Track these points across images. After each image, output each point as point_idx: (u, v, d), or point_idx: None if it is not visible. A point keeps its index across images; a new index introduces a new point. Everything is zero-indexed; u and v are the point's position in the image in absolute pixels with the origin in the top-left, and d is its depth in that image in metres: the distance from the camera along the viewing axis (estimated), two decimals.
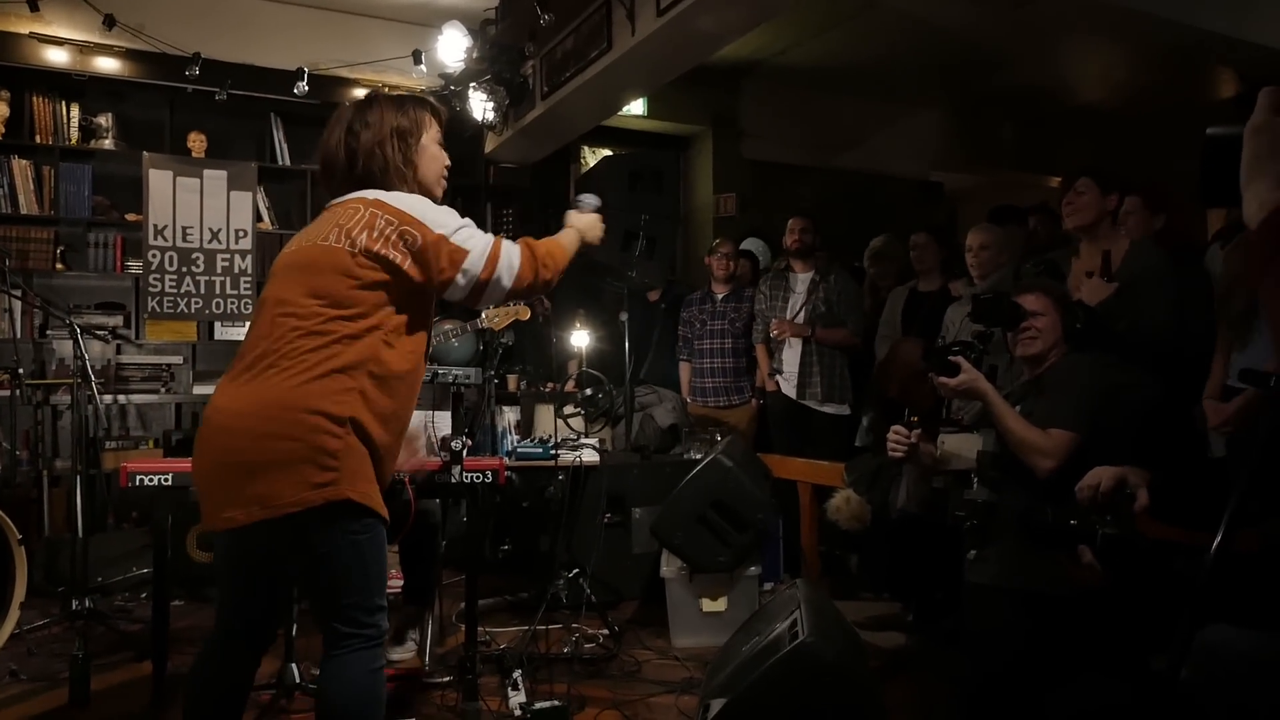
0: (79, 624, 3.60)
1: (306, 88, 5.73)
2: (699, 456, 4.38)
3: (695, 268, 7.02)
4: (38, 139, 5.57)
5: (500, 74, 5.75)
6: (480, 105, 5.88)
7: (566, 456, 4.11)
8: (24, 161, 5.50)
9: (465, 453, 2.85)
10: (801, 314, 5.00)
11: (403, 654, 3.51)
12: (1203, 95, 7.06)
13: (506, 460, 3.86)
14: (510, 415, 4.66)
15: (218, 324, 5.80)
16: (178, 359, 5.75)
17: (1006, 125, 8.51)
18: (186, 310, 5.55)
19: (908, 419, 2.75)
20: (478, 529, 3.35)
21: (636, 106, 6.82)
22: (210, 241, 5.60)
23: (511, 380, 5.53)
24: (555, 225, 2.48)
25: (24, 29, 5.41)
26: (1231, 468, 2.89)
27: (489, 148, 6.54)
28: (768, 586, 4.16)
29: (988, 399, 2.60)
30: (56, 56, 5.54)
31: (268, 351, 1.89)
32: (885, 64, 6.91)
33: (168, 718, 2.80)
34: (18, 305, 5.09)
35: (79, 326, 4.06)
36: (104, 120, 5.73)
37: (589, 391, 4.70)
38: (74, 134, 5.66)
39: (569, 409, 4.74)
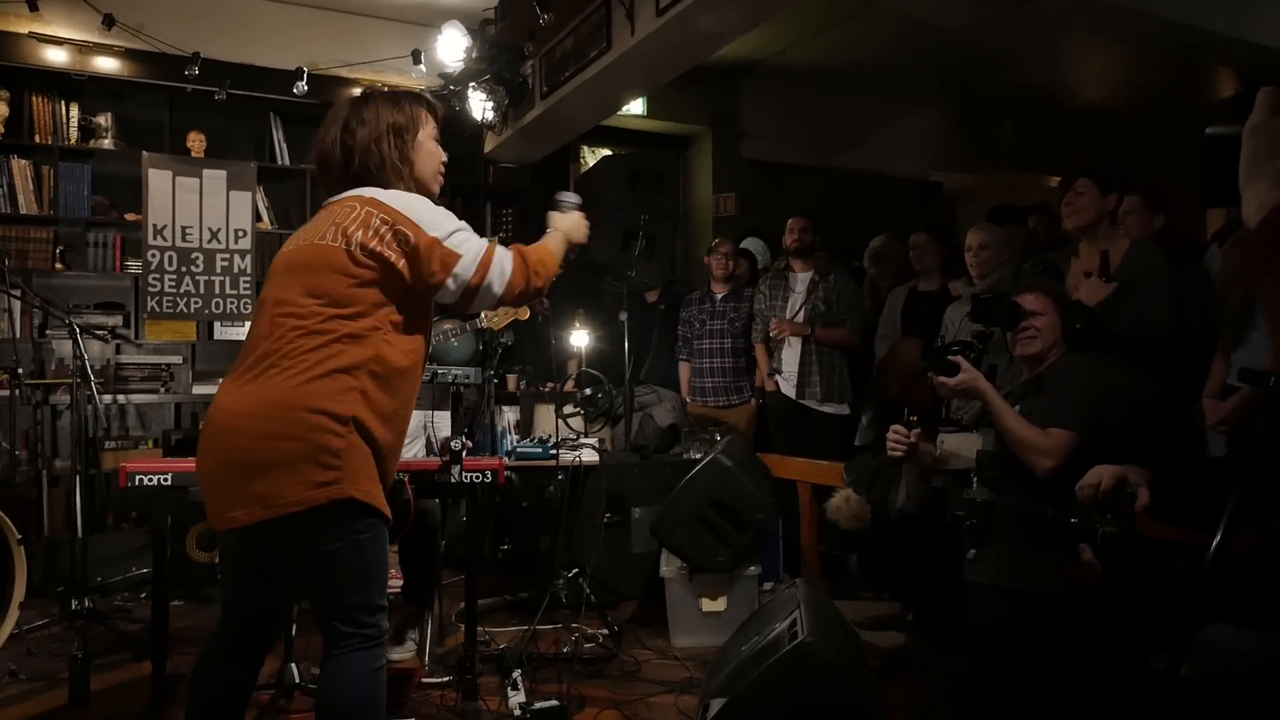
0: (78, 624, 3.59)
1: (306, 87, 5.73)
2: (698, 456, 4.38)
3: (695, 267, 7.02)
4: (37, 139, 5.56)
5: (499, 74, 5.75)
6: (479, 105, 5.88)
7: (566, 456, 4.11)
8: (23, 161, 5.50)
9: (465, 453, 2.85)
10: (801, 313, 5.00)
11: (402, 654, 3.51)
12: (1202, 95, 7.06)
13: (506, 460, 3.86)
14: (510, 415, 4.67)
15: (217, 324, 5.80)
16: (177, 359, 5.75)
17: (1006, 125, 8.51)
18: (186, 310, 5.55)
19: (907, 418, 2.75)
20: (477, 529, 3.35)
21: (636, 106, 6.82)
22: (210, 241, 5.60)
23: (511, 380, 5.53)
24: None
25: (23, 29, 5.41)
26: (1232, 467, 2.89)
27: (488, 147, 6.54)
28: (767, 586, 4.16)
29: (987, 398, 2.60)
30: (56, 56, 5.54)
31: (269, 352, 1.89)
32: (885, 64, 6.90)
33: (167, 718, 2.80)
34: (17, 305, 5.09)
35: (78, 326, 4.06)
36: (103, 120, 5.73)
37: (588, 391, 4.70)
38: (73, 134, 5.65)
39: (568, 409, 4.74)
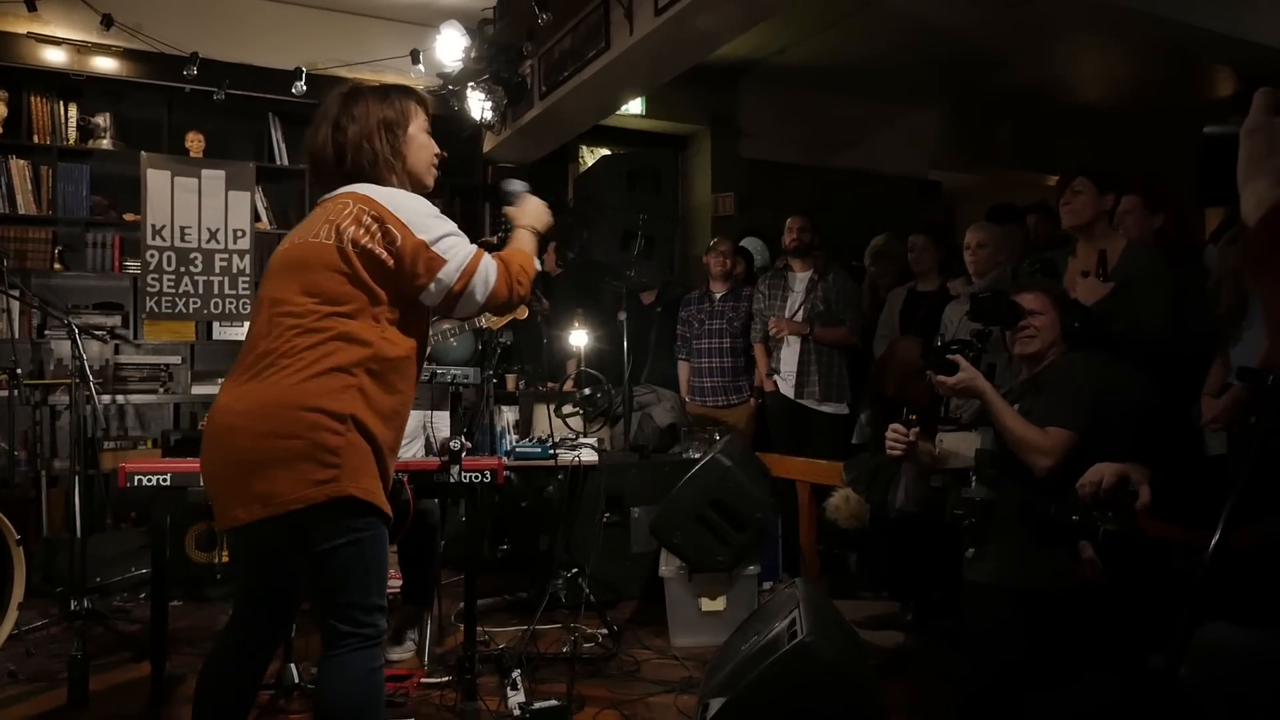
0: (77, 624, 3.59)
1: (305, 87, 5.73)
2: (697, 456, 4.38)
3: (693, 267, 7.02)
4: (35, 139, 5.56)
5: (498, 73, 5.75)
6: (478, 105, 5.88)
7: (565, 456, 4.11)
8: (22, 161, 5.50)
9: (464, 453, 2.85)
10: (800, 313, 5.01)
11: (402, 654, 3.52)
12: (1200, 94, 7.06)
13: (505, 460, 3.86)
14: (509, 415, 4.66)
15: (216, 324, 5.80)
16: (176, 359, 5.75)
17: (1005, 124, 8.51)
18: (185, 310, 5.55)
19: (906, 417, 2.75)
20: (476, 529, 3.34)
21: (635, 106, 6.82)
22: (208, 241, 5.60)
23: (510, 380, 5.53)
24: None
25: (22, 29, 5.41)
26: (1231, 466, 2.89)
27: (487, 147, 6.53)
28: (766, 586, 4.16)
29: (986, 397, 2.60)
30: (54, 56, 5.54)
31: (267, 351, 1.90)
32: (883, 63, 6.91)
33: (167, 718, 2.80)
34: (15, 305, 5.09)
35: (77, 327, 4.06)
36: (102, 120, 5.73)
37: (587, 391, 4.70)
38: (72, 134, 5.65)
39: (567, 408, 4.74)
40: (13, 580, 3.37)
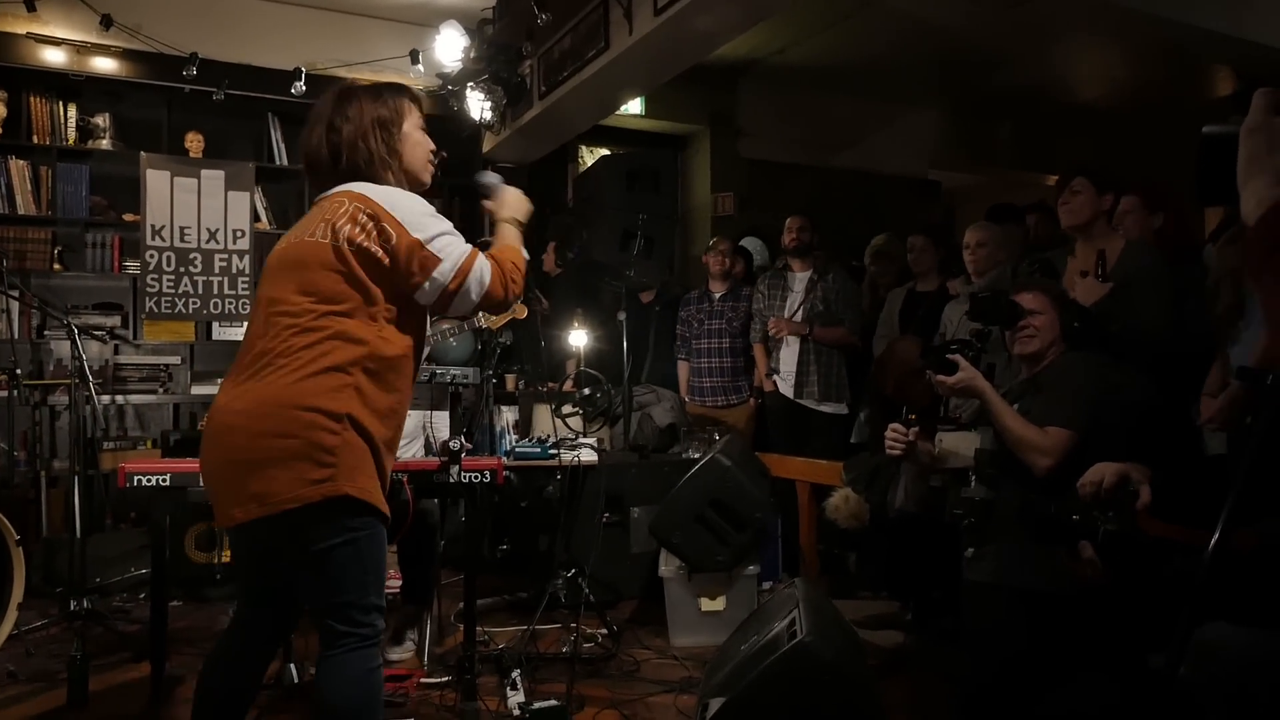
0: (77, 625, 3.58)
1: (304, 87, 5.73)
2: (697, 456, 4.38)
3: (693, 267, 7.02)
4: (35, 139, 5.56)
5: (498, 73, 5.75)
6: (478, 105, 5.88)
7: (565, 456, 4.11)
8: (21, 162, 5.49)
9: (463, 453, 2.85)
10: (799, 313, 5.01)
11: (401, 654, 3.52)
12: (1200, 93, 7.06)
13: (505, 460, 3.86)
14: (508, 415, 4.66)
15: (215, 324, 5.80)
16: (175, 359, 5.74)
17: (1004, 124, 8.51)
18: (184, 310, 5.55)
19: (906, 417, 2.75)
20: (476, 529, 3.35)
21: (634, 106, 6.82)
22: (208, 242, 5.60)
23: (510, 380, 5.53)
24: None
25: (21, 29, 5.40)
26: (1231, 465, 2.89)
27: (487, 147, 6.53)
28: (766, 585, 4.16)
29: (985, 397, 2.60)
30: (54, 56, 5.53)
31: (264, 351, 1.90)
32: (883, 63, 6.91)
33: (166, 718, 2.80)
34: (15, 306, 5.08)
35: (76, 327, 4.06)
36: (101, 120, 5.73)
37: (587, 391, 4.70)
38: (71, 134, 5.65)
39: (567, 408, 4.74)
40: (12, 580, 3.37)
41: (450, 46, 5.66)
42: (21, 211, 5.47)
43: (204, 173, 5.61)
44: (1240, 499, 1.43)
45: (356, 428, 1.87)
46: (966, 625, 2.72)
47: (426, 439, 4.06)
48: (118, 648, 3.59)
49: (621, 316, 4.87)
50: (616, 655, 3.56)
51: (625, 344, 4.83)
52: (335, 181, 2.06)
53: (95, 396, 4.22)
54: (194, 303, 5.56)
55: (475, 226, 6.42)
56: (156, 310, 5.47)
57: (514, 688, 2.99)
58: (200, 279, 5.57)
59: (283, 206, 6.19)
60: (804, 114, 7.56)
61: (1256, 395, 1.52)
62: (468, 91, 5.87)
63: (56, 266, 5.53)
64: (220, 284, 5.62)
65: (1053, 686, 2.38)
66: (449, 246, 1.98)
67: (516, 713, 2.85)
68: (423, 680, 3.22)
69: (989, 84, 7.40)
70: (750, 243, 6.88)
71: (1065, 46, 6.65)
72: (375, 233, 1.92)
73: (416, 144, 2.14)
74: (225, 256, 5.64)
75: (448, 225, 2.02)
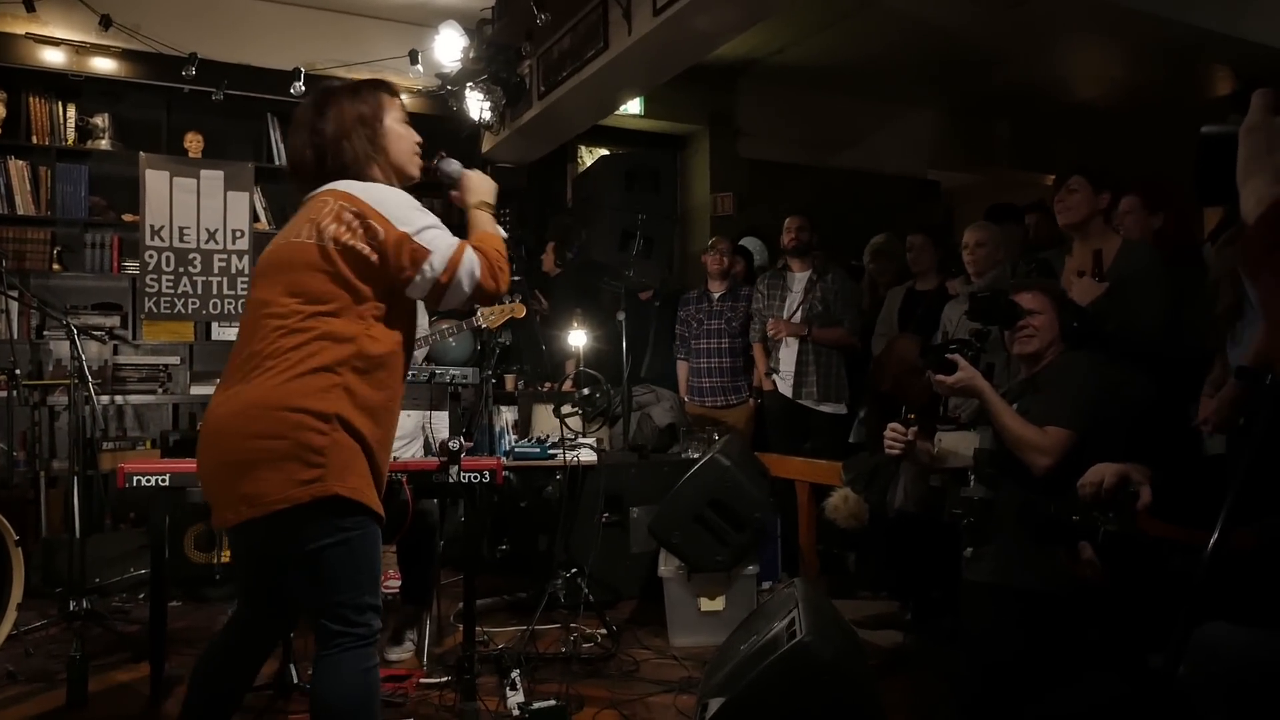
0: (76, 625, 3.59)
1: (303, 88, 5.72)
2: (696, 456, 4.38)
3: (692, 267, 7.02)
4: (34, 139, 5.56)
5: (497, 74, 5.74)
6: (477, 105, 5.88)
7: (564, 456, 4.11)
8: (20, 162, 5.49)
9: (463, 453, 2.85)
10: (798, 313, 5.00)
11: (401, 654, 3.52)
12: (1198, 93, 7.06)
13: (504, 460, 3.86)
14: (508, 415, 4.66)
15: (215, 324, 5.80)
16: (175, 359, 5.74)
17: (1003, 124, 8.52)
18: (183, 311, 5.55)
19: (904, 416, 2.75)
20: (476, 529, 3.35)
21: (633, 106, 6.82)
22: (207, 242, 5.60)
23: (509, 380, 5.53)
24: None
25: (20, 29, 5.40)
26: (1230, 465, 2.89)
27: (486, 147, 6.53)
28: (766, 585, 4.16)
29: (985, 397, 2.60)
30: (53, 57, 5.53)
31: (253, 353, 1.91)
32: (882, 63, 6.91)
33: (166, 718, 2.80)
34: (14, 306, 5.08)
35: (76, 327, 4.06)
36: (100, 120, 5.72)
37: (586, 391, 4.69)
38: (70, 134, 5.65)
39: (566, 408, 4.73)
40: (12, 581, 3.37)
41: (449, 46, 5.65)
42: (21, 212, 5.46)
43: (203, 173, 5.61)
44: (1239, 499, 1.43)
45: (346, 427, 1.88)
46: (965, 625, 2.72)
47: (426, 439, 4.06)
48: (117, 648, 3.59)
49: (621, 316, 4.87)
50: (616, 655, 3.56)
51: (624, 344, 4.83)
52: (321, 182, 2.05)
53: (94, 397, 4.22)
54: (193, 303, 5.56)
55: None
56: (156, 310, 5.47)
57: (513, 688, 3.00)
58: (199, 279, 5.57)
59: (282, 207, 6.18)
60: (803, 114, 7.56)
61: (1254, 395, 1.52)
62: (467, 92, 5.86)
63: (56, 267, 5.53)
64: (219, 284, 5.62)
65: (1052, 686, 2.38)
66: (437, 239, 1.98)
67: (516, 713, 2.85)
68: (422, 680, 3.22)
69: (988, 84, 7.39)
70: (750, 242, 6.88)
71: (1064, 46, 6.65)
72: (362, 230, 1.92)
73: (399, 137, 2.14)
74: (224, 257, 5.64)
75: (434, 219, 2.02)
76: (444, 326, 3.93)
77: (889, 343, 4.40)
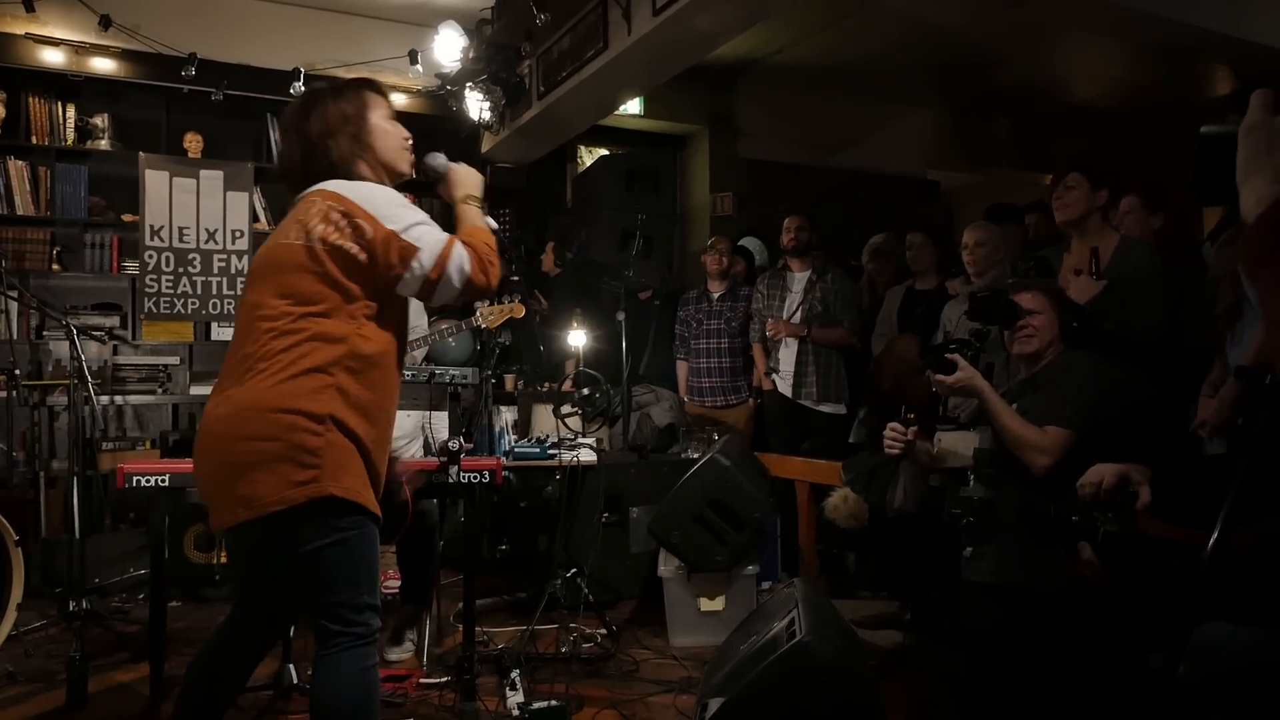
0: (76, 625, 3.59)
1: (303, 88, 5.72)
2: (696, 456, 4.38)
3: (692, 267, 7.02)
4: (34, 139, 5.56)
5: (496, 74, 5.74)
6: (476, 105, 5.88)
7: (564, 456, 4.11)
8: (20, 162, 5.49)
9: (462, 453, 2.84)
10: (798, 313, 5.00)
11: (400, 654, 3.51)
12: (1198, 93, 7.07)
13: (504, 460, 3.86)
14: (507, 415, 4.66)
15: (214, 324, 5.80)
16: (174, 359, 5.74)
17: (1003, 123, 8.52)
18: (183, 311, 5.55)
19: (904, 416, 2.75)
20: (475, 529, 3.35)
21: (633, 106, 6.82)
22: (207, 242, 5.60)
23: (509, 380, 5.53)
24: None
25: (20, 29, 5.40)
26: (1230, 465, 2.89)
27: (485, 147, 6.53)
28: (765, 585, 4.16)
29: (984, 396, 2.60)
30: (52, 57, 5.53)
31: (246, 356, 1.91)
32: (881, 63, 6.91)
33: (165, 718, 2.80)
34: (14, 306, 5.08)
35: (75, 327, 4.06)
36: (100, 121, 5.72)
37: (586, 391, 4.69)
38: (70, 134, 5.65)
39: (566, 408, 4.74)
40: (11, 581, 3.37)
41: (449, 47, 5.65)
42: (20, 212, 5.46)
43: (203, 173, 5.62)
44: (1239, 499, 1.43)
45: (341, 428, 1.87)
46: (965, 625, 2.72)
47: (425, 439, 4.06)
48: (117, 648, 3.58)
49: (620, 316, 4.87)
50: (615, 655, 3.56)
51: (624, 344, 4.83)
52: (310, 183, 2.06)
53: (94, 397, 4.22)
54: (193, 303, 5.56)
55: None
56: (155, 310, 5.47)
57: (513, 688, 3.00)
58: (199, 279, 5.57)
59: (281, 207, 6.14)
60: (803, 114, 7.56)
61: (1254, 395, 1.52)
62: (466, 92, 5.86)
63: (55, 267, 5.53)
64: (219, 284, 5.62)
65: (1051, 686, 2.38)
66: (425, 235, 1.97)
67: (515, 713, 2.85)
68: (422, 680, 3.22)
69: (987, 84, 7.40)
70: (750, 242, 6.88)
71: (1064, 46, 6.65)
72: (349, 229, 1.92)
73: (386, 134, 2.13)
74: (224, 257, 5.64)
75: (423, 215, 2.01)
76: (443, 326, 3.93)
77: (889, 343, 4.40)
